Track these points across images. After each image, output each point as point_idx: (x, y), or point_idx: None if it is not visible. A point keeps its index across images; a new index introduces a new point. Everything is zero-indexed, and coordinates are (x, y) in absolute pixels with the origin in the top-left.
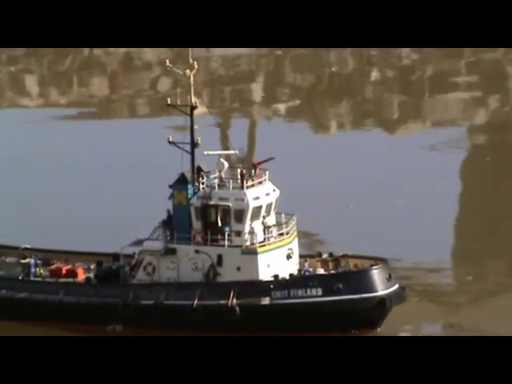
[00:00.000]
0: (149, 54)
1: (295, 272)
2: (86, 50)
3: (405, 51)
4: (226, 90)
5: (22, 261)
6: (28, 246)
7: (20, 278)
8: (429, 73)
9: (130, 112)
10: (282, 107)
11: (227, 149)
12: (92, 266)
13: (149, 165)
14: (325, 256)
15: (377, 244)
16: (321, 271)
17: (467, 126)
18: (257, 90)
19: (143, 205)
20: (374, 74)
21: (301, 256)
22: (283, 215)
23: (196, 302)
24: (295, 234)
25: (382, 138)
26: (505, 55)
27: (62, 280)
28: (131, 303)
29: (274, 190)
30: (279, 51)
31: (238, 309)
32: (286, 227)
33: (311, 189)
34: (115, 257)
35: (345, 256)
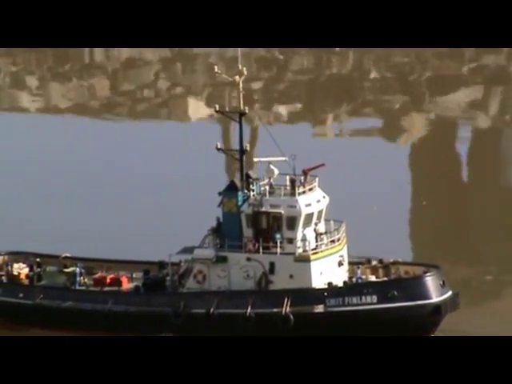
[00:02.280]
0: (149, 53)
1: (346, 279)
2: (87, 56)
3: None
4: (226, 90)
5: (66, 270)
6: (68, 255)
7: (67, 287)
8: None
9: (154, 116)
10: (282, 108)
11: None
12: (135, 275)
13: (188, 172)
14: (374, 263)
15: (404, 246)
16: (372, 278)
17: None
18: (257, 90)
19: (184, 213)
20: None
21: (350, 263)
22: (332, 222)
23: (249, 310)
24: (345, 240)
25: (384, 138)
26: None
27: (110, 289)
28: (182, 312)
29: (324, 197)
30: (279, 52)
31: (292, 317)
32: (337, 234)
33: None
34: (161, 265)
35: (395, 263)
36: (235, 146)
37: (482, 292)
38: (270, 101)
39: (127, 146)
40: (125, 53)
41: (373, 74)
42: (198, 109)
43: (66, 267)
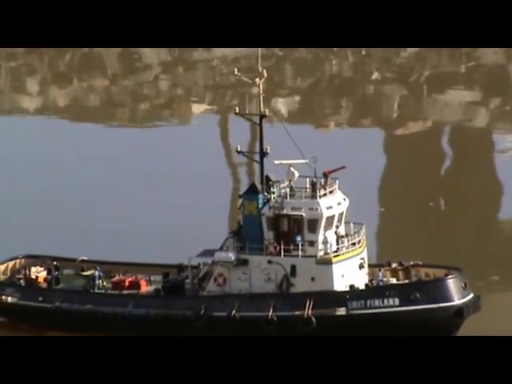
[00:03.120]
0: (148, 53)
1: (366, 282)
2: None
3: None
4: (226, 91)
5: (85, 273)
6: (85, 258)
7: (87, 290)
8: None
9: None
10: (282, 108)
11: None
12: (153, 278)
13: (198, 171)
14: (394, 265)
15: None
16: (393, 281)
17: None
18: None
19: (196, 214)
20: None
21: (369, 265)
22: (351, 224)
23: (271, 313)
24: (365, 243)
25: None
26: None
27: (130, 292)
28: (203, 315)
29: (344, 199)
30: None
31: (314, 319)
32: (358, 236)
33: None
34: (180, 268)
35: (415, 265)
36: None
37: (503, 294)
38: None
39: (133, 147)
40: (124, 52)
41: (374, 75)
42: (199, 109)
43: (83, 270)
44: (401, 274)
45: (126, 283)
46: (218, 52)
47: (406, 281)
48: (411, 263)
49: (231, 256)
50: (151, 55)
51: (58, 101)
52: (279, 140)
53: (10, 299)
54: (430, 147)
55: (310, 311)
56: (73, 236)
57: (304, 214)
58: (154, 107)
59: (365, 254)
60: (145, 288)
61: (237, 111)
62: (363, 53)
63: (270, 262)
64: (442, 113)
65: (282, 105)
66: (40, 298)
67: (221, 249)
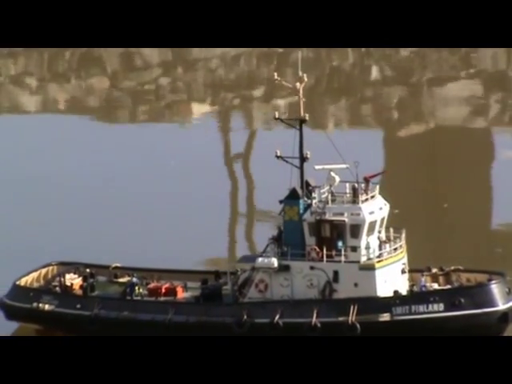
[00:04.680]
0: (148, 52)
1: (408, 287)
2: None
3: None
4: (226, 91)
5: (121, 280)
6: (118, 265)
7: (127, 297)
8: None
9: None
10: (282, 108)
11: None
12: (189, 284)
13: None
14: (435, 270)
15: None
16: (434, 286)
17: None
18: (257, 91)
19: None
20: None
21: (410, 271)
22: (391, 229)
23: (314, 319)
24: (405, 248)
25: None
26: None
27: (168, 299)
28: (245, 322)
29: (385, 204)
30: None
31: (358, 325)
32: (400, 241)
33: None
34: (217, 274)
35: (456, 270)
36: (236, 147)
37: None
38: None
39: (139, 147)
40: (124, 52)
41: (373, 73)
42: (199, 110)
43: (117, 277)
44: (441, 279)
45: (163, 290)
46: (218, 51)
47: (448, 286)
48: (452, 268)
49: (273, 262)
50: (151, 54)
51: (58, 100)
52: (279, 140)
53: (46, 307)
54: (430, 147)
55: (354, 317)
56: (97, 241)
57: (346, 220)
58: (153, 107)
59: (405, 260)
60: (181, 295)
61: (276, 116)
62: (362, 50)
63: (312, 267)
64: (441, 112)
65: (281, 104)
66: (78, 306)
67: (261, 255)
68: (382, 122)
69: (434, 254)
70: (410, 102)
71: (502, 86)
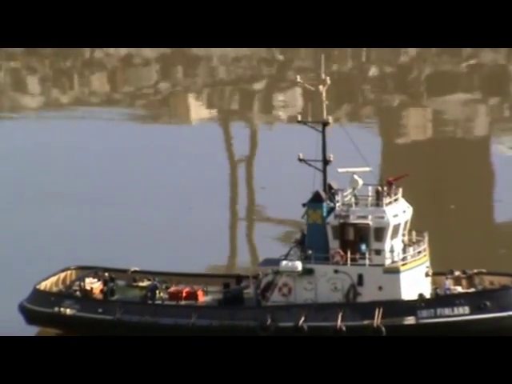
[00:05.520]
0: (148, 52)
1: (431, 290)
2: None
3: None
4: (226, 91)
5: (142, 284)
6: (137, 269)
7: (148, 301)
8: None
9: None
10: (282, 107)
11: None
12: (210, 288)
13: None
14: (457, 273)
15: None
16: (458, 289)
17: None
18: (257, 91)
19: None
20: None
21: (434, 274)
22: (414, 232)
23: (339, 322)
24: (428, 251)
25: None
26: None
27: (190, 303)
28: (270, 326)
29: (408, 207)
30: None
31: (383, 329)
32: (423, 244)
33: None
34: (238, 278)
35: (479, 273)
36: (236, 148)
37: None
38: (270, 101)
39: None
40: (124, 52)
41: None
42: (198, 109)
43: (135, 281)
44: (464, 282)
45: (184, 294)
46: (218, 51)
47: (472, 289)
48: (475, 271)
49: (298, 266)
50: (151, 54)
51: (59, 99)
52: (279, 140)
53: (68, 311)
54: (429, 146)
55: (379, 320)
56: (113, 245)
57: (370, 223)
58: (153, 106)
59: (428, 263)
60: (202, 298)
61: (299, 119)
62: (363, 52)
63: (336, 271)
64: (441, 112)
65: (281, 104)
66: (99, 310)
67: (285, 258)
68: (382, 121)
69: (450, 256)
70: (410, 102)
71: (502, 86)
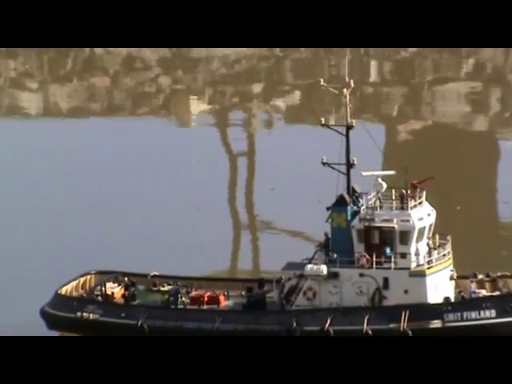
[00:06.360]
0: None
1: (455, 294)
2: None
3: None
4: (226, 91)
5: (162, 288)
6: (157, 273)
7: (171, 306)
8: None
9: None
10: (282, 107)
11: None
12: (231, 293)
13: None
14: (481, 276)
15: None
16: (482, 292)
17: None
18: (257, 91)
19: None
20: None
21: (459, 277)
22: (437, 236)
23: (365, 326)
24: (452, 254)
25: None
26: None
27: (212, 307)
28: (295, 330)
29: (432, 210)
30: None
31: (410, 332)
32: (448, 247)
33: None
34: (260, 282)
35: (503, 276)
36: (237, 148)
37: None
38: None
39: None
40: (124, 52)
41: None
42: (198, 109)
43: (155, 286)
44: (488, 285)
45: (205, 298)
46: (218, 51)
47: (496, 292)
48: (499, 274)
49: (323, 269)
50: (151, 54)
51: (59, 100)
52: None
53: (91, 316)
54: (429, 147)
55: (405, 324)
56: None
57: (396, 226)
58: (153, 106)
59: (452, 266)
60: (223, 303)
61: (323, 122)
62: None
63: (361, 274)
64: (441, 112)
65: (281, 104)
66: (122, 315)
67: (309, 262)
68: (381, 122)
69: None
70: (409, 103)
71: (502, 85)
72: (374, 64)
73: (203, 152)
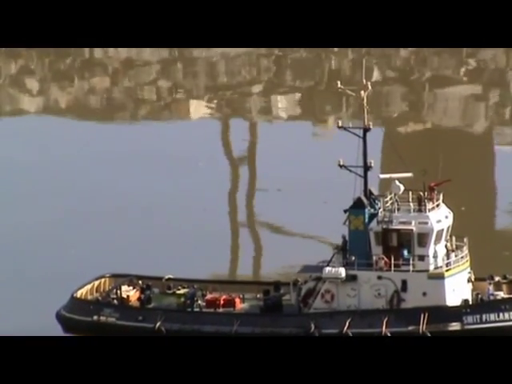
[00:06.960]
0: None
1: (473, 296)
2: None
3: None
4: (226, 91)
5: (178, 291)
6: (171, 277)
7: (187, 309)
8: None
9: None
10: (282, 106)
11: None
12: (247, 296)
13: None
14: (497, 279)
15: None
16: (500, 294)
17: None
18: (257, 91)
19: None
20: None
21: (476, 279)
22: (454, 238)
23: (384, 329)
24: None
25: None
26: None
27: (229, 310)
28: (313, 333)
29: (449, 213)
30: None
31: (429, 335)
32: (465, 250)
33: None
34: (276, 285)
35: None
36: (236, 149)
37: None
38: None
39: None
40: (124, 53)
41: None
42: (198, 110)
43: (170, 289)
44: (505, 287)
45: (221, 301)
46: (218, 50)
47: None
48: None
49: (341, 272)
50: (151, 54)
51: (59, 101)
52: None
53: (108, 319)
54: (429, 147)
55: (424, 326)
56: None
57: (414, 229)
58: (153, 106)
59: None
60: (239, 306)
61: (340, 124)
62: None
63: (379, 277)
64: (442, 112)
65: (281, 103)
66: (139, 318)
67: (327, 265)
68: (382, 121)
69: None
70: (410, 102)
71: (503, 86)
72: (374, 65)
73: (208, 153)
